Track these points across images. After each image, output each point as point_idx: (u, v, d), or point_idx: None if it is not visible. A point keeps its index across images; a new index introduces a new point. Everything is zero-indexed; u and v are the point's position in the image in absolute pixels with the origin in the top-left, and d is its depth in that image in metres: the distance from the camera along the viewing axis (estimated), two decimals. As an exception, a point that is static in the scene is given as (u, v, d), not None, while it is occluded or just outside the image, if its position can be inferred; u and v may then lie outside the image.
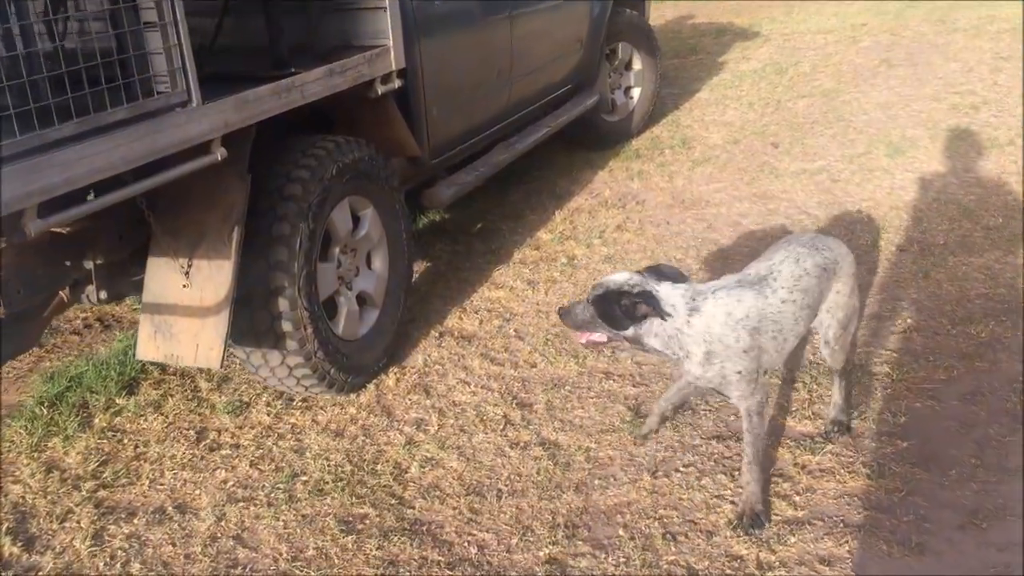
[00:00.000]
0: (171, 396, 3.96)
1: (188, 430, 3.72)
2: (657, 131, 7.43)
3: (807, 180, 6.07)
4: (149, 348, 3.23)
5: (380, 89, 3.94)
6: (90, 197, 2.73)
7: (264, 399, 3.90)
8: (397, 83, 4.06)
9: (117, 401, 3.93)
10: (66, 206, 2.55)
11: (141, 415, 3.83)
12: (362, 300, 4.01)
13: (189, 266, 3.17)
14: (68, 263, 3.06)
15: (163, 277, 3.21)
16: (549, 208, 6.00)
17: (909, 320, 4.16)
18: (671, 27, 11.76)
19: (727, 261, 4.96)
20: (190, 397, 3.95)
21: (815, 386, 3.70)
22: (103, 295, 3.16)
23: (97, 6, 3.09)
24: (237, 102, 3.08)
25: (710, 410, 3.61)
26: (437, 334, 4.41)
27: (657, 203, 5.96)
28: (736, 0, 13.53)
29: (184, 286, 3.18)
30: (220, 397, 3.94)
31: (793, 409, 3.58)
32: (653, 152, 6.97)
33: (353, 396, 3.89)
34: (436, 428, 3.64)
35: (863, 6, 12.03)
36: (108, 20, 2.89)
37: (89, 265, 3.11)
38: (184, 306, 3.19)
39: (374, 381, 3.99)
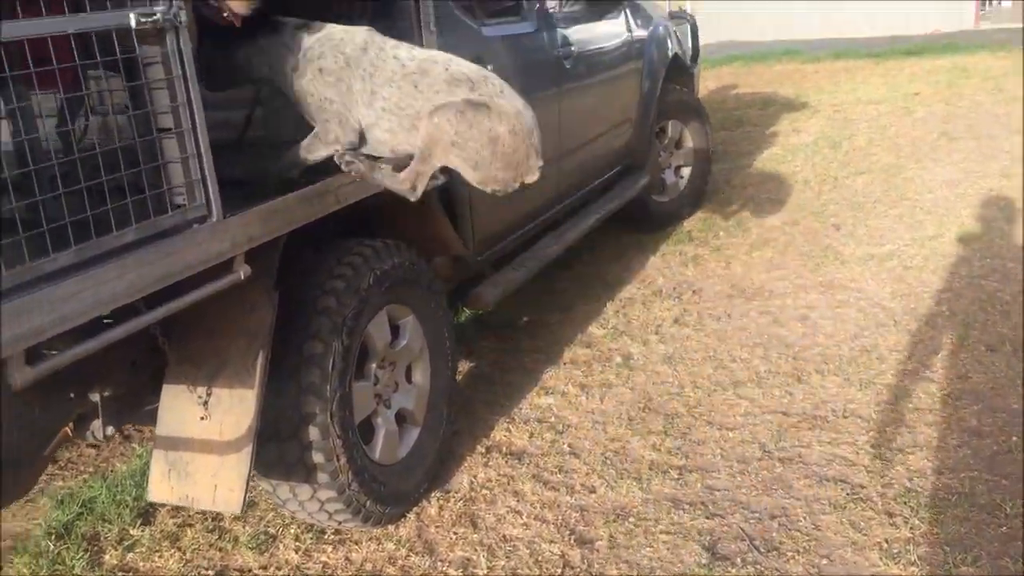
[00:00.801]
0: (190, 527, 3.57)
1: (207, 570, 3.32)
2: (710, 211, 7.05)
3: (876, 267, 5.64)
4: (163, 488, 2.85)
5: (431, 184, 3.58)
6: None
7: (292, 531, 3.49)
8: (440, 179, 3.71)
9: (131, 532, 3.55)
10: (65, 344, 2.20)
11: (156, 550, 3.44)
12: (401, 418, 3.62)
13: (208, 396, 2.81)
14: (72, 396, 2.70)
15: (179, 408, 2.84)
16: (600, 299, 5.61)
17: (1015, 438, 3.69)
18: (715, 97, 11.46)
19: (798, 362, 4.52)
20: (211, 528, 3.56)
21: (916, 521, 3.24)
22: (110, 430, 2.80)
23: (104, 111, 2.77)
24: (263, 214, 2.74)
25: (798, 552, 3.16)
26: (483, 450, 4.00)
27: (715, 293, 5.55)
28: (779, 67, 13.25)
29: (202, 418, 2.81)
30: (244, 528, 3.54)
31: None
32: (707, 235, 6.58)
33: (392, 528, 3.47)
34: (485, 571, 3.21)
35: (911, 73, 11.69)
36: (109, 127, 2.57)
37: (96, 398, 2.75)
38: (202, 441, 2.81)
39: (415, 510, 3.58)
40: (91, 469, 4.11)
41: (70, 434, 2.78)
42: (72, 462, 4.19)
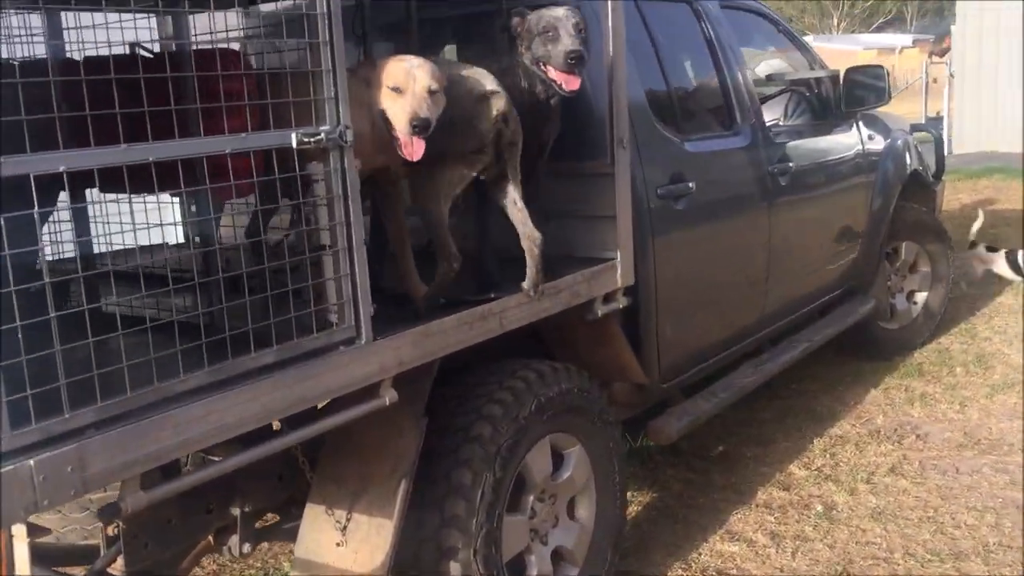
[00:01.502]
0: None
1: None
2: (946, 342, 6.37)
3: None
4: (295, 612, 2.75)
5: (600, 310, 3.39)
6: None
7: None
8: (622, 302, 3.50)
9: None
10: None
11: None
12: (559, 557, 3.36)
13: (347, 521, 2.70)
14: (211, 510, 2.67)
15: (318, 530, 2.75)
16: (806, 434, 5.12)
17: None
18: (968, 213, 10.53)
19: (1036, 538, 3.87)
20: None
21: None
22: (247, 548, 2.74)
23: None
24: (416, 337, 2.63)
25: None
26: (651, 598, 3.66)
27: (943, 440, 4.93)
28: (1046, 184, 12.08)
29: (338, 544, 2.70)
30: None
31: None
32: (940, 369, 5.92)
33: None
34: None
35: None
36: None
37: (236, 512, 2.71)
38: (335, 568, 2.70)
39: (564, 661, 3.29)
40: None
41: (210, 547, 2.74)
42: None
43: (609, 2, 3.30)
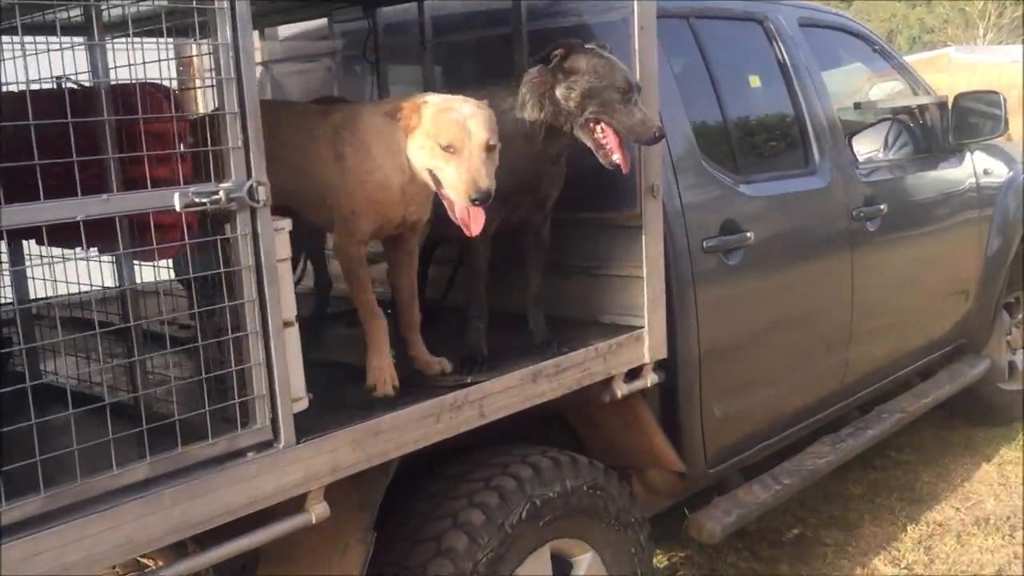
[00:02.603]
0: None
1: None
2: (1077, 407, 5.50)
3: None
4: None
5: (620, 390, 2.84)
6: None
7: None
8: (651, 380, 2.93)
9: None
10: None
11: None
12: None
13: (278, 654, 2.22)
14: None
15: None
16: (899, 518, 4.40)
17: None
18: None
19: None
20: None
21: None
22: None
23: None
24: (360, 436, 2.14)
25: None
26: None
27: (1066, 536, 4.14)
28: None
29: None
30: None
31: None
32: (1068, 442, 5.08)
33: None
34: None
35: None
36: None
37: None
38: None
39: None
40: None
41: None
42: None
43: (636, 24, 2.75)
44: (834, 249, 3.86)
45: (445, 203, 2.29)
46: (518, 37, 3.13)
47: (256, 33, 4.04)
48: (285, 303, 2.09)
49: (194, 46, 2.04)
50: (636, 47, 2.76)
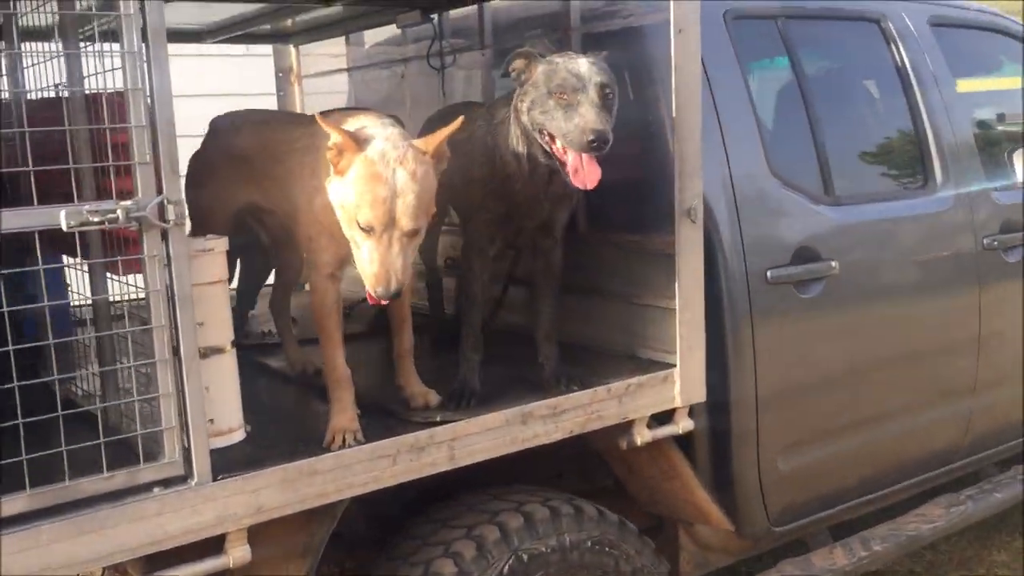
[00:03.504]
0: None
1: None
2: None
3: None
4: None
5: (643, 437, 2.53)
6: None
7: None
8: (684, 426, 2.60)
9: None
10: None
11: None
12: None
13: None
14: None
15: None
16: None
17: None
18: None
19: None
20: None
21: None
22: None
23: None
24: (289, 476, 1.97)
25: None
26: None
27: None
28: None
29: None
30: None
31: None
32: None
33: None
34: None
35: None
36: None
37: None
38: None
39: None
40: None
41: None
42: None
43: (673, 27, 2.43)
44: (956, 282, 3.35)
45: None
46: (568, 40, 2.88)
47: (343, 39, 3.99)
48: (216, 328, 1.96)
49: (89, 55, 1.92)
50: (673, 52, 2.44)
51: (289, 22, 3.84)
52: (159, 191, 1.78)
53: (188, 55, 4.49)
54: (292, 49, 4.23)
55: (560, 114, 2.16)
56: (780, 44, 3.07)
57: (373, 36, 3.92)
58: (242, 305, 3.12)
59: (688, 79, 2.48)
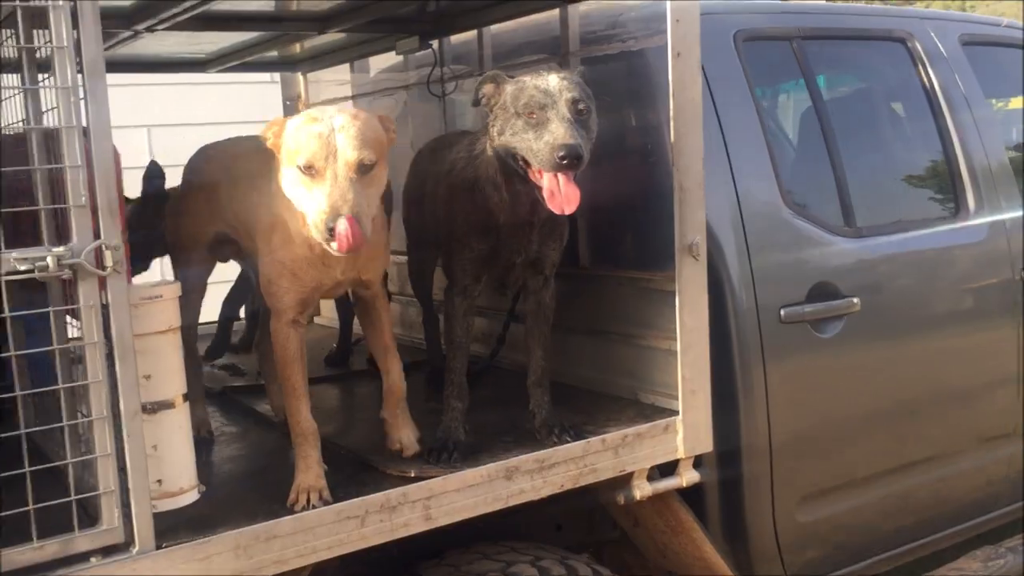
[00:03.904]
0: None
1: None
2: None
3: None
4: None
5: (643, 491, 2.34)
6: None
7: None
8: (688, 478, 2.41)
9: None
10: None
11: None
12: None
13: None
14: None
15: None
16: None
17: None
18: None
19: None
20: None
21: None
22: None
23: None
24: (242, 541, 1.82)
25: None
26: None
27: None
28: None
29: None
30: None
31: None
32: None
33: None
34: None
35: None
36: None
37: None
38: None
39: None
40: None
41: None
42: None
43: (671, 51, 2.27)
44: (992, 316, 3.13)
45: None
46: (567, 65, 2.72)
47: (347, 66, 3.88)
48: (165, 381, 1.82)
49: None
50: (671, 78, 2.27)
51: (297, 48, 3.74)
52: (96, 235, 1.65)
53: (197, 84, 4.38)
54: (300, 77, 4.12)
55: (530, 134, 2.00)
56: (795, 66, 2.89)
57: (378, 63, 3.81)
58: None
59: (687, 106, 2.31)
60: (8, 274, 1.59)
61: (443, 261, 2.35)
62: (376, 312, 2.21)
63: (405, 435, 2.19)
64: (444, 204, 2.30)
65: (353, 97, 3.85)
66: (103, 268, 1.65)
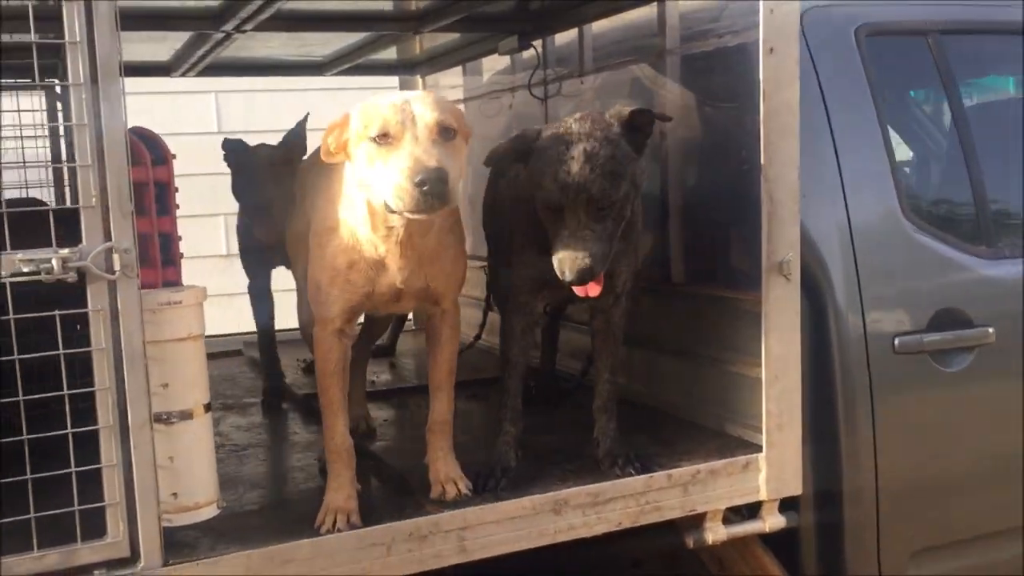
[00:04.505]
0: None
1: None
2: None
3: None
4: None
5: (715, 534, 2.11)
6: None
7: None
8: (772, 523, 2.15)
9: None
10: None
11: None
12: None
13: None
14: None
15: None
16: None
17: None
18: None
19: None
20: None
21: None
22: None
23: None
24: (253, 563, 1.72)
25: None
26: None
27: None
28: None
29: None
30: None
31: None
32: None
33: None
34: None
35: None
36: None
37: None
38: None
39: None
40: None
41: None
42: None
43: (761, 29, 2.02)
44: None
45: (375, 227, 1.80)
46: (662, 63, 2.52)
47: (460, 69, 3.79)
48: (186, 390, 1.75)
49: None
50: (762, 76, 2.03)
51: (416, 50, 3.69)
52: (107, 238, 1.59)
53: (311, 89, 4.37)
54: (419, 79, 4.07)
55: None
56: (931, 65, 2.56)
57: (491, 66, 3.69)
58: None
59: (782, 109, 2.06)
60: (12, 276, 1.55)
61: (491, 276, 2.20)
62: (438, 335, 2.04)
63: (444, 476, 2.01)
64: (507, 214, 2.15)
65: (464, 100, 3.75)
66: (112, 272, 1.59)
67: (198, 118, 6.71)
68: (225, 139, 2.90)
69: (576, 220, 1.81)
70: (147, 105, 6.44)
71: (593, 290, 1.85)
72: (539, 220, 1.96)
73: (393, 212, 1.70)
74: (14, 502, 1.58)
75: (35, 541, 1.60)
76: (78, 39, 1.56)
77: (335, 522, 1.81)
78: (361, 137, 1.73)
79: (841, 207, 2.30)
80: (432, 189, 1.62)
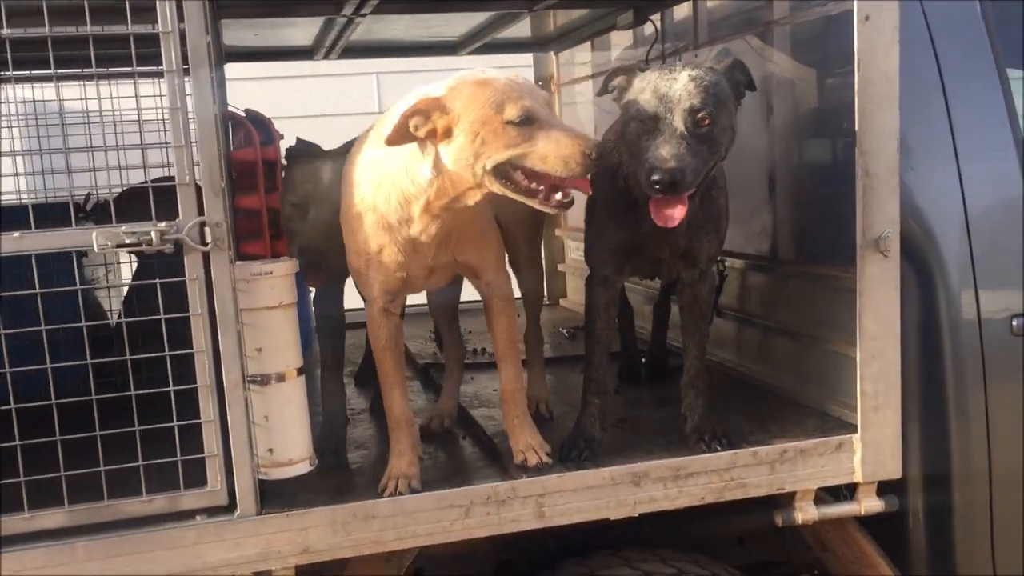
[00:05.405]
0: None
1: None
2: None
3: None
4: None
5: (805, 514, 2.07)
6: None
7: None
8: (868, 506, 2.09)
9: None
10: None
11: None
12: None
13: None
14: None
15: None
16: None
17: None
18: None
19: None
20: None
21: None
22: None
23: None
24: (340, 517, 1.83)
25: None
26: None
27: None
28: None
29: None
30: None
31: None
32: None
33: None
34: None
35: None
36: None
37: None
38: None
39: None
40: None
41: None
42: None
43: (856, 6, 1.95)
44: None
45: (532, 197, 1.81)
46: (770, 34, 2.46)
47: (589, 46, 3.78)
48: (278, 354, 1.87)
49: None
50: (857, 46, 1.95)
51: (551, 26, 3.71)
52: (200, 212, 1.73)
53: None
54: (552, 56, 4.10)
55: (638, 143, 1.90)
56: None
57: (620, 42, 3.67)
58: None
59: (879, 79, 1.97)
60: (117, 246, 1.71)
61: (585, 247, 2.21)
62: (490, 308, 2.10)
63: (524, 444, 2.05)
64: (593, 186, 2.17)
65: (592, 76, 3.76)
66: (204, 244, 1.73)
67: (358, 98, 7.05)
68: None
69: (672, 129, 1.83)
70: (317, 87, 6.84)
71: (674, 218, 1.84)
72: (619, 192, 1.98)
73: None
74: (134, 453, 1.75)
75: (144, 486, 1.77)
76: (170, 29, 1.70)
77: (396, 486, 1.90)
78: (483, 121, 1.74)
79: (954, 177, 2.18)
80: (596, 156, 1.72)
